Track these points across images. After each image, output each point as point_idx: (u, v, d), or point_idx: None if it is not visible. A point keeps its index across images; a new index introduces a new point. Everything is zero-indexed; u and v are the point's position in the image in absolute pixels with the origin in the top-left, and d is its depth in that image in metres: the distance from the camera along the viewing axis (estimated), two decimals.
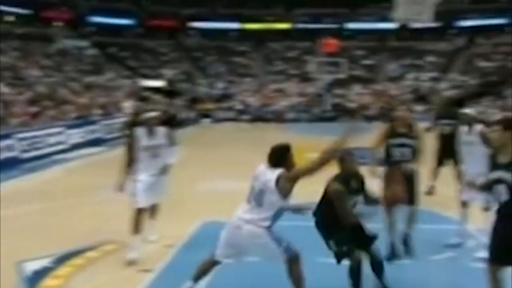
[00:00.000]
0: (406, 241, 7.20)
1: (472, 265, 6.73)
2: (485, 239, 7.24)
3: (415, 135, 7.33)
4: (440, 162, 10.85)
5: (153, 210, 7.58)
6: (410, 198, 7.08)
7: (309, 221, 7.56)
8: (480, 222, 7.39)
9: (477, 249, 7.32)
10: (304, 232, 7.15)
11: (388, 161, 7.15)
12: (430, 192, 10.91)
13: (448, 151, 10.34)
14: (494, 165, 4.78)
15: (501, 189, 4.67)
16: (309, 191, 5.91)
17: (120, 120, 24.77)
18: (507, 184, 4.62)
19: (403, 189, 6.70)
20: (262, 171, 5.23)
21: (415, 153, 7.17)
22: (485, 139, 7.25)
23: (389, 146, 7.19)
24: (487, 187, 4.86)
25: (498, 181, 4.69)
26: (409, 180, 7.02)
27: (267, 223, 5.10)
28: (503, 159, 4.69)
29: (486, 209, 7.04)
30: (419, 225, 8.20)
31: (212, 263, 5.52)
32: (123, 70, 44.15)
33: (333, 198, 5.54)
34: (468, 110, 7.86)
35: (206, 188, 11.93)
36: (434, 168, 10.95)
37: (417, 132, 7.44)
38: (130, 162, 7.21)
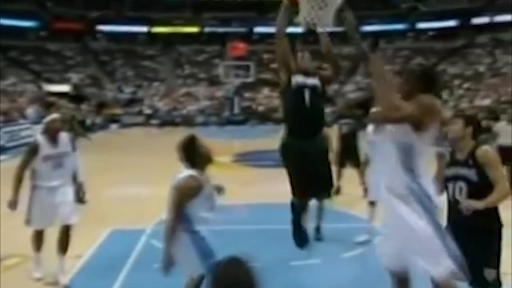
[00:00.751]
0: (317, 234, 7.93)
1: (380, 261, 6.94)
2: None
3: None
4: (342, 162, 11.14)
5: (63, 234, 6.52)
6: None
7: (219, 225, 7.47)
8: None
9: None
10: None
11: None
12: (336, 192, 11.18)
13: (348, 151, 10.91)
14: (452, 162, 4.64)
15: (459, 186, 4.53)
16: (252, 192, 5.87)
17: (23, 126, 23.89)
18: (466, 180, 4.49)
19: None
20: (180, 171, 4.88)
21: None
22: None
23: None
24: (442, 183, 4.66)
25: (455, 177, 4.56)
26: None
27: (187, 227, 4.72)
28: (460, 155, 4.58)
29: None
30: (328, 224, 8.41)
31: (197, 282, 4.85)
32: (26, 74, 42.58)
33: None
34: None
35: (115, 195, 11.66)
36: (337, 168, 11.21)
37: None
38: (22, 176, 6.28)
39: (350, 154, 10.90)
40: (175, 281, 6.32)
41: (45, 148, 6.36)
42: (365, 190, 8.38)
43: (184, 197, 4.72)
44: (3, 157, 19.76)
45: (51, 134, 6.48)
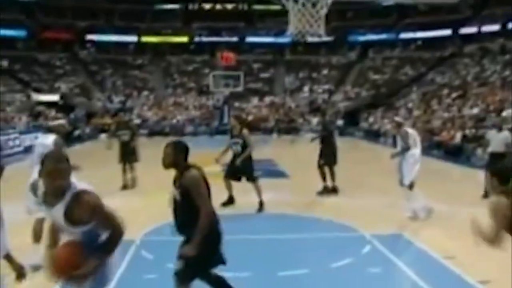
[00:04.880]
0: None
1: (369, 270, 6.93)
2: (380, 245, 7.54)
3: (242, 137, 10.79)
4: (322, 164, 12.61)
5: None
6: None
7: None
8: (377, 228, 7.67)
9: (372, 254, 7.58)
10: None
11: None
12: (322, 192, 12.49)
13: (326, 154, 12.56)
14: None
15: None
16: None
17: (12, 136, 23.74)
18: None
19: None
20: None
21: (244, 148, 10.75)
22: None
23: (229, 145, 11.00)
24: None
25: None
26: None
27: None
28: None
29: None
30: (315, 234, 8.42)
31: None
32: (15, 84, 42.37)
33: (190, 187, 4.85)
34: (399, 119, 9.61)
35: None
36: (320, 170, 12.61)
37: (244, 135, 10.80)
38: None
39: (328, 155, 12.50)
40: None
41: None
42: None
43: None
44: None
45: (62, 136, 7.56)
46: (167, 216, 5.93)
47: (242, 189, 11.98)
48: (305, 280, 6.68)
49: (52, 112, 36.79)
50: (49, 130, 7.76)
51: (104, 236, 3.84)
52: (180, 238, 5.05)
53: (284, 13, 19.08)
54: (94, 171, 11.23)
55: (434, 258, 7.34)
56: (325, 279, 6.74)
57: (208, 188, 4.95)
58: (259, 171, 17.60)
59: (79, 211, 3.64)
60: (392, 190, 11.44)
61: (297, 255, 7.74)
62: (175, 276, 5.02)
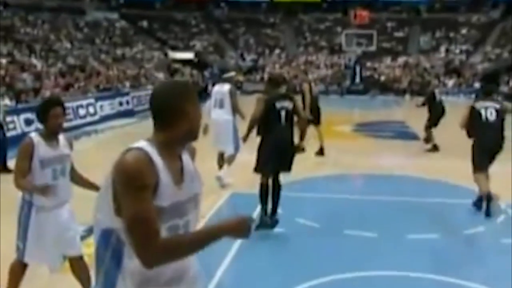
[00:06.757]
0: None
1: (502, 241, 6.65)
2: None
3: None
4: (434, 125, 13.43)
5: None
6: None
7: (338, 194, 7.54)
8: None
9: (506, 224, 7.26)
10: (333, 205, 7.15)
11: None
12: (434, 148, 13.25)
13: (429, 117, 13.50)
14: None
15: None
16: None
17: (150, 91, 24.94)
18: None
19: None
20: None
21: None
22: None
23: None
24: None
25: None
26: None
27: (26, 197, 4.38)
28: None
29: None
30: (452, 200, 8.20)
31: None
32: (152, 42, 44.24)
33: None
34: None
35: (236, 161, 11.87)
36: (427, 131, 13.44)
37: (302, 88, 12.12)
38: None
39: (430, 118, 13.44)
40: (291, 246, 6.47)
41: None
42: None
43: (18, 156, 4.23)
44: (132, 119, 20.82)
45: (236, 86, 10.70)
46: (300, 173, 6.03)
47: (366, 151, 11.88)
48: (435, 245, 6.54)
49: (187, 69, 38.08)
50: (224, 80, 9.85)
51: None
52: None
53: None
54: None
55: None
56: (455, 246, 6.58)
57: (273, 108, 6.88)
58: (390, 132, 17.37)
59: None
60: None
61: (427, 220, 7.59)
62: None
